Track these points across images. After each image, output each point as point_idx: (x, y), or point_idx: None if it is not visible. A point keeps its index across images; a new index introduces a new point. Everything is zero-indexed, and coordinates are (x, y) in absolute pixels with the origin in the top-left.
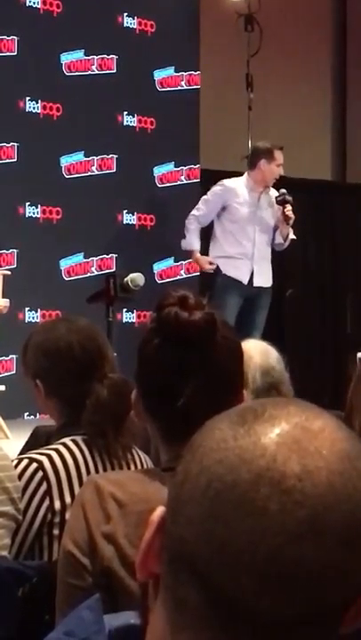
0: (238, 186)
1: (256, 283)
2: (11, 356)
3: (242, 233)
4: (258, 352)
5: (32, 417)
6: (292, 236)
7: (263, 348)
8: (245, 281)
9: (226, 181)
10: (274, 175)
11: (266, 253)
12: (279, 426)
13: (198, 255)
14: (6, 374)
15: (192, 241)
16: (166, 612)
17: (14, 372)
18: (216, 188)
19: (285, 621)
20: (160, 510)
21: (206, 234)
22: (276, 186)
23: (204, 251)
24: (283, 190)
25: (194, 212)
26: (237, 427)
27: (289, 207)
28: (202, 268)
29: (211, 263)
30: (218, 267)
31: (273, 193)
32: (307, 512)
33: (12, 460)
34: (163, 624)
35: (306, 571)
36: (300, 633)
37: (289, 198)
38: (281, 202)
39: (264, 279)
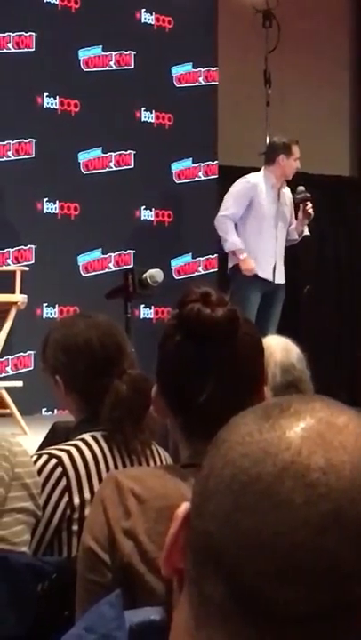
0: (260, 181)
1: (277, 279)
2: (28, 352)
3: (265, 229)
4: (279, 349)
5: (50, 413)
6: (306, 232)
7: (285, 344)
8: (270, 278)
9: (249, 177)
10: (292, 170)
11: (283, 250)
12: (304, 420)
13: (246, 254)
14: (24, 370)
15: (235, 240)
16: (191, 606)
17: (32, 367)
18: (242, 185)
19: (308, 616)
20: (185, 506)
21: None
22: (294, 181)
23: (223, 249)
24: (301, 188)
25: (224, 212)
26: (262, 421)
27: (309, 205)
28: (247, 268)
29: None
30: (238, 263)
31: (287, 189)
32: (331, 505)
33: (32, 456)
34: (187, 619)
35: (329, 564)
36: (323, 628)
37: (308, 195)
38: (301, 199)
39: (282, 276)
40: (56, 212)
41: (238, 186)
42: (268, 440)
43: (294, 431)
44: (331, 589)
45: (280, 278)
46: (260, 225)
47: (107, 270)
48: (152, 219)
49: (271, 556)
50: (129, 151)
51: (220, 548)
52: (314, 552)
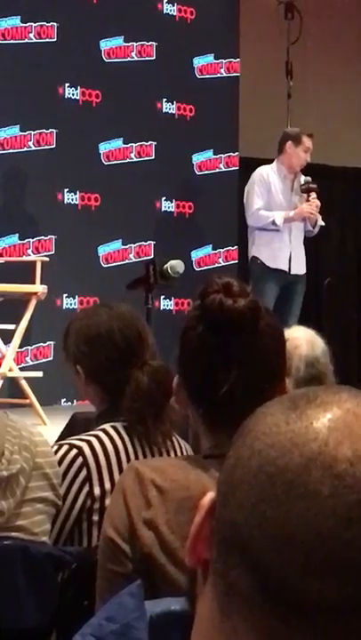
0: (269, 172)
1: (293, 270)
2: (48, 343)
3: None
4: (305, 342)
5: (69, 403)
6: (320, 222)
7: (311, 337)
8: (286, 268)
9: (260, 169)
10: (301, 160)
11: (300, 240)
12: (331, 411)
13: (293, 211)
14: (44, 360)
15: (270, 214)
16: (216, 597)
17: (52, 358)
18: (256, 178)
19: (335, 606)
20: (210, 495)
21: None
22: (315, 173)
23: (243, 241)
24: (307, 178)
25: (254, 208)
26: (289, 411)
27: (314, 195)
28: (302, 210)
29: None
30: (254, 255)
31: (304, 178)
32: (357, 496)
33: (52, 446)
34: (212, 610)
35: (356, 555)
36: (350, 618)
37: (313, 186)
38: (305, 190)
39: (300, 266)
40: (76, 202)
41: (254, 180)
42: (295, 430)
43: (321, 422)
44: (358, 581)
45: (297, 269)
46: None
47: (127, 261)
48: (173, 210)
49: (298, 548)
50: (150, 142)
51: (246, 539)
52: (341, 543)
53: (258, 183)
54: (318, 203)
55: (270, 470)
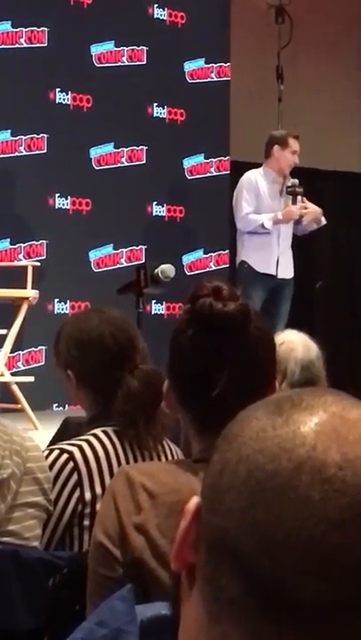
0: (258, 177)
1: (280, 274)
2: (40, 348)
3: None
4: (300, 345)
5: (61, 408)
6: (323, 221)
7: (306, 342)
8: (273, 272)
9: (248, 173)
10: (288, 162)
11: (289, 244)
12: (317, 415)
13: (281, 212)
14: (35, 365)
15: (259, 217)
16: (203, 602)
17: (43, 363)
18: (245, 182)
19: (327, 608)
20: (195, 500)
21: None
22: (306, 177)
23: (234, 245)
24: (295, 180)
25: (243, 213)
26: (275, 416)
27: (298, 199)
28: (291, 211)
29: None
30: (243, 260)
31: (294, 180)
32: (348, 500)
33: (43, 451)
34: (199, 615)
35: (348, 557)
36: (342, 619)
37: (299, 189)
38: (291, 192)
39: (287, 270)
40: (68, 207)
41: (242, 184)
42: (283, 436)
43: (308, 426)
44: (352, 583)
45: (284, 273)
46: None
47: (118, 266)
48: (164, 214)
49: (290, 551)
50: (141, 147)
51: (236, 544)
52: (333, 546)
53: (246, 187)
54: (311, 206)
55: (260, 476)
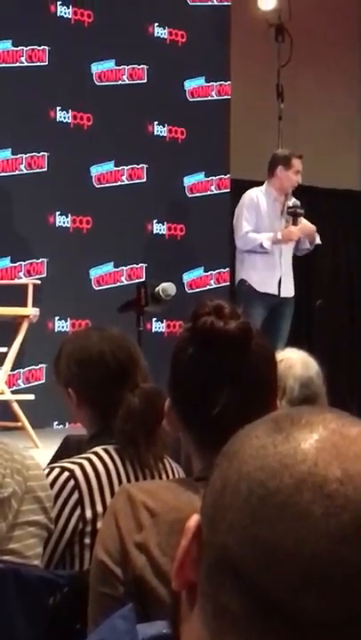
0: (259, 195)
1: (283, 293)
2: (40, 365)
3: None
4: (299, 362)
5: (61, 426)
6: (318, 241)
7: (305, 359)
8: (275, 292)
9: (249, 192)
10: (291, 182)
11: (290, 262)
12: (317, 432)
13: (280, 232)
14: (36, 383)
15: (258, 237)
16: (205, 619)
17: (43, 380)
18: (246, 201)
19: (329, 623)
20: (195, 518)
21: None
22: (305, 196)
23: (235, 263)
24: (296, 201)
25: (243, 231)
26: (275, 433)
27: (299, 220)
28: (291, 232)
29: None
30: (243, 278)
31: (295, 200)
32: (350, 515)
33: (44, 469)
34: (201, 632)
35: (350, 573)
36: (342, 635)
37: (301, 211)
38: (292, 213)
39: (289, 289)
40: (68, 225)
41: (243, 203)
42: (284, 452)
43: (309, 443)
44: (353, 598)
45: (286, 292)
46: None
47: (119, 284)
48: (164, 232)
49: (294, 567)
50: (141, 165)
51: (238, 561)
52: (335, 561)
53: (247, 206)
54: (313, 227)
55: (261, 493)
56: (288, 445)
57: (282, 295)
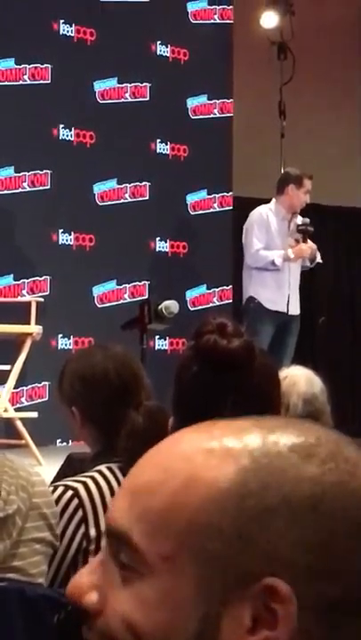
0: (268, 213)
1: (291, 311)
2: (43, 383)
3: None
4: (303, 379)
5: (64, 444)
6: (319, 259)
7: (308, 376)
8: (284, 310)
9: (259, 209)
10: (301, 201)
11: (298, 280)
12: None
13: (291, 248)
14: (39, 401)
15: (270, 254)
16: None
17: (47, 398)
18: (256, 217)
19: None
20: (286, 587)
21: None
22: (309, 213)
23: (238, 280)
24: (305, 220)
25: (254, 249)
26: (311, 458)
27: (309, 241)
28: (305, 250)
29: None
30: (252, 295)
31: (299, 219)
32: None
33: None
34: None
35: None
36: None
37: (310, 229)
38: (302, 231)
39: (296, 307)
40: (71, 243)
41: (253, 220)
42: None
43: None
44: None
45: (294, 310)
46: None
47: (122, 301)
48: (167, 250)
49: None
50: (144, 183)
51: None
52: None
53: (257, 223)
54: (314, 245)
55: None
56: (359, 467)
57: (290, 313)
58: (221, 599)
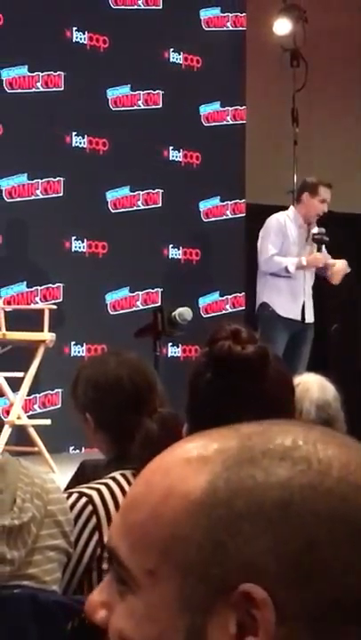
0: (287, 220)
1: (306, 319)
2: (56, 390)
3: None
4: (316, 386)
5: (77, 451)
6: (347, 269)
7: (322, 383)
8: (298, 318)
9: (277, 215)
10: (316, 210)
11: (311, 289)
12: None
13: (305, 258)
14: (52, 408)
15: (289, 260)
16: None
17: (59, 405)
18: (273, 223)
19: None
20: (259, 592)
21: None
22: (322, 220)
23: (250, 287)
24: (321, 229)
25: (268, 254)
26: (299, 464)
27: (323, 249)
28: (318, 259)
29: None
30: (265, 302)
31: (318, 228)
32: None
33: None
34: None
35: None
36: None
37: (326, 239)
38: (317, 240)
39: (311, 315)
40: (84, 250)
41: (270, 225)
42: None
43: (331, 451)
44: None
45: (310, 317)
46: None
47: (134, 308)
48: (180, 257)
49: None
50: (157, 190)
51: None
52: None
53: (274, 229)
54: (338, 264)
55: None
56: (334, 465)
57: (306, 321)
58: (205, 608)
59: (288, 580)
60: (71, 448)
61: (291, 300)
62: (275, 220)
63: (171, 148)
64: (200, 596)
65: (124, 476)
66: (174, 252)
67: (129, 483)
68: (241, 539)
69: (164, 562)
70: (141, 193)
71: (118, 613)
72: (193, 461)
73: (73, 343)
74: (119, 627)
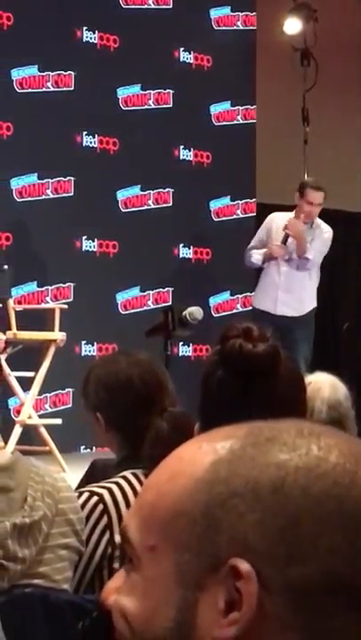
0: (280, 217)
1: (279, 311)
2: (67, 390)
3: (271, 263)
4: (327, 385)
5: (88, 450)
6: (309, 255)
7: (332, 381)
8: (271, 310)
9: (275, 213)
10: (303, 211)
11: (295, 282)
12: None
13: (267, 248)
14: (62, 407)
15: (253, 252)
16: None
17: (70, 405)
18: (266, 220)
19: None
20: (244, 565)
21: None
22: (333, 219)
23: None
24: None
25: (248, 247)
26: (300, 448)
27: (290, 241)
28: (277, 252)
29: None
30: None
31: (324, 227)
32: None
33: None
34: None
35: None
36: None
37: (289, 232)
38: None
39: (292, 309)
40: (95, 249)
41: (264, 221)
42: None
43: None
44: None
45: (285, 310)
46: None
47: (145, 308)
48: (190, 256)
49: None
50: (167, 189)
51: (349, 578)
52: None
53: (262, 225)
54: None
55: (352, 504)
56: (333, 452)
57: (278, 313)
58: (198, 585)
59: (273, 555)
60: (82, 447)
61: (264, 291)
62: (269, 216)
63: (181, 147)
64: (194, 572)
65: (135, 475)
66: (185, 252)
67: (140, 482)
68: (234, 515)
69: (165, 538)
70: (152, 192)
71: (122, 590)
72: (204, 447)
73: (84, 343)
74: (122, 603)
